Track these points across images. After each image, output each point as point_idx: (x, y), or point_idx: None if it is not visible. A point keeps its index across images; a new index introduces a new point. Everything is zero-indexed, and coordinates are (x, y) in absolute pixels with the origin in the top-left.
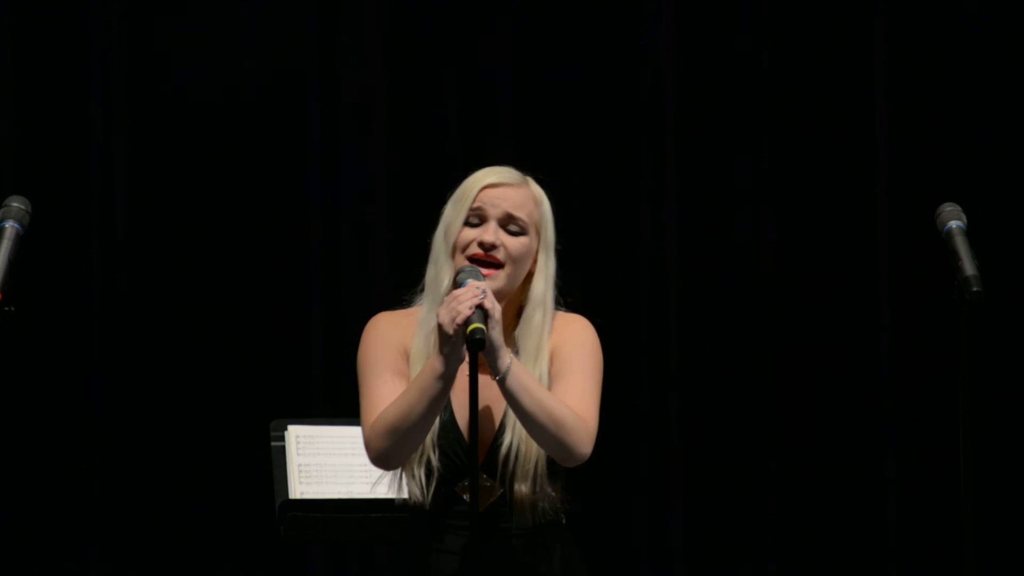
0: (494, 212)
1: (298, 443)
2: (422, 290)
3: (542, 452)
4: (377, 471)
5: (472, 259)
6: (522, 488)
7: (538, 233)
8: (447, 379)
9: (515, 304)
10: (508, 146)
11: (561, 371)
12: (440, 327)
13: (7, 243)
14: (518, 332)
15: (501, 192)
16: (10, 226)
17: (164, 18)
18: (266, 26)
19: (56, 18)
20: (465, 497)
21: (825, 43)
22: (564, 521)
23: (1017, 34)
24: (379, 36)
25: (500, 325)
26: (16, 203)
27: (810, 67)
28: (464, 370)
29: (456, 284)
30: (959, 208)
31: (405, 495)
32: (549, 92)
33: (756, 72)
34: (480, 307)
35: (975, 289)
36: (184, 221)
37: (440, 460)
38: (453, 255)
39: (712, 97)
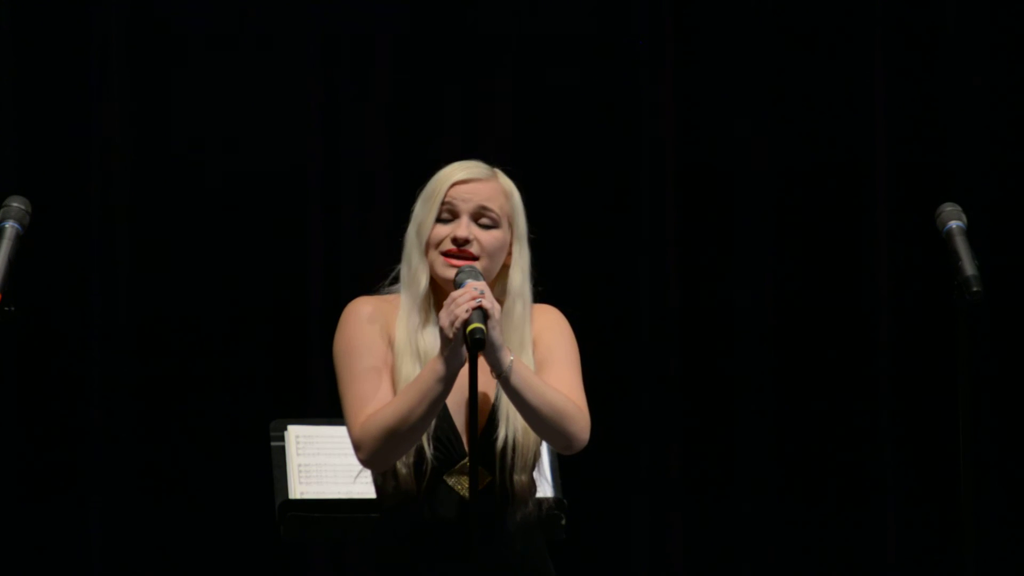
0: (465, 207)
1: (298, 443)
2: (394, 282)
3: (536, 442)
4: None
5: (446, 255)
6: (521, 479)
7: (510, 225)
8: (448, 382)
9: None
10: (507, 147)
11: (545, 361)
12: (441, 330)
13: (7, 243)
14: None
15: (471, 187)
16: (10, 226)
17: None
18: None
19: (57, 17)
20: (454, 486)
21: (825, 43)
22: (564, 521)
23: (1018, 32)
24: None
25: (500, 325)
26: (16, 203)
27: (810, 67)
28: None
29: (455, 285)
30: (959, 208)
31: (388, 486)
32: (548, 93)
33: (755, 73)
34: (480, 307)
35: (975, 289)
36: (184, 220)
37: (434, 451)
38: (427, 252)
39: (711, 97)
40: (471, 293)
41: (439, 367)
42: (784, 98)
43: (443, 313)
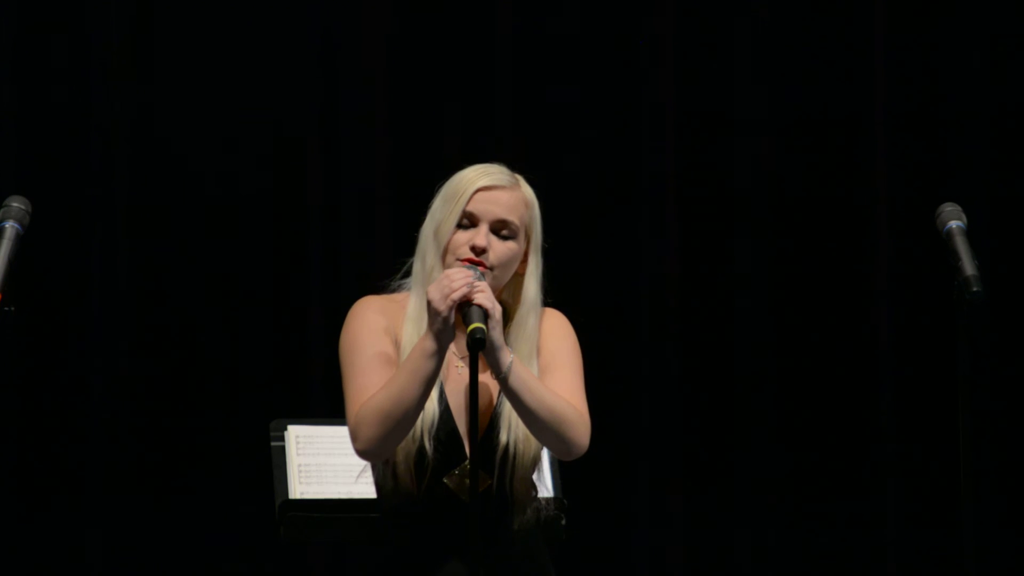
0: (486, 216)
1: (298, 443)
2: (406, 275)
3: (537, 448)
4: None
5: (461, 261)
6: (521, 483)
7: (527, 235)
8: (439, 358)
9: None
10: (507, 146)
11: (548, 366)
12: (430, 304)
13: (7, 243)
14: (511, 334)
15: (494, 195)
16: (10, 226)
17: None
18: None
19: (56, 18)
20: (453, 488)
21: (826, 42)
22: (564, 522)
23: (1018, 31)
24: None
25: (500, 325)
26: (16, 203)
27: (810, 66)
28: (455, 362)
29: None
30: (959, 208)
31: (388, 486)
32: (549, 89)
33: (756, 72)
34: (480, 307)
35: (975, 289)
36: (184, 221)
37: (435, 448)
38: (444, 257)
39: (711, 95)
40: (465, 273)
41: (428, 343)
42: (784, 98)
43: (433, 287)
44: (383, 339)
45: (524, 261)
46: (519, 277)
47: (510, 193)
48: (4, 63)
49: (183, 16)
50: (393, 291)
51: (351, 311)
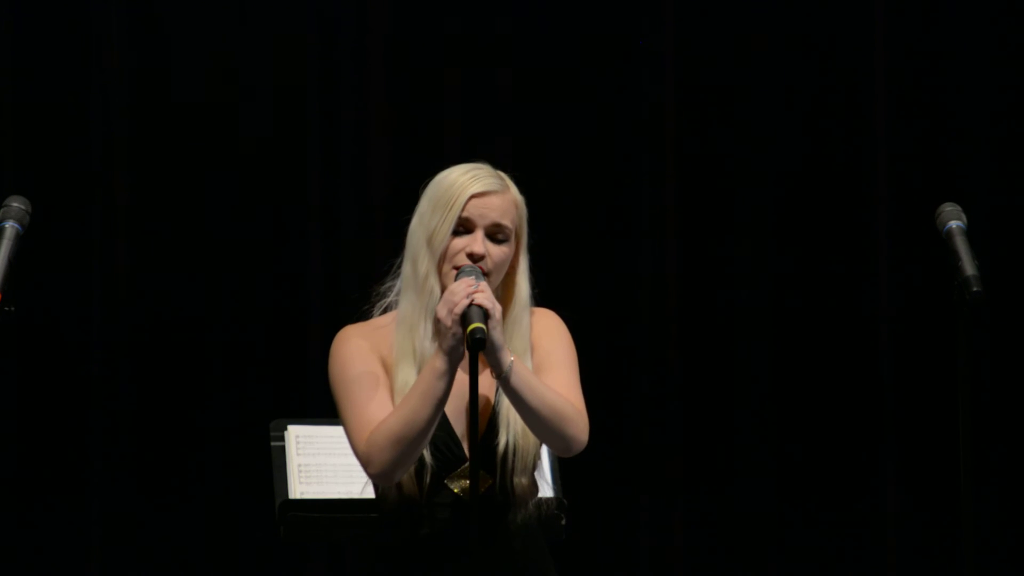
0: (481, 222)
1: (298, 443)
2: (396, 275)
3: (536, 446)
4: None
5: (458, 268)
6: (522, 481)
7: (518, 236)
8: (450, 378)
9: None
10: (507, 144)
11: (543, 364)
12: (440, 323)
13: (7, 243)
14: (506, 333)
15: (488, 201)
16: (10, 226)
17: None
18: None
19: (57, 15)
20: (455, 490)
21: (827, 38)
22: (564, 522)
23: (1018, 29)
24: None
25: (500, 325)
26: (16, 203)
27: (810, 64)
28: None
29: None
30: (959, 208)
31: (391, 494)
32: (548, 88)
33: (757, 70)
34: (480, 307)
35: (975, 289)
36: (184, 222)
37: (433, 455)
38: (440, 265)
39: (712, 93)
40: (466, 284)
41: (439, 364)
42: (784, 97)
43: (441, 307)
44: (372, 361)
45: (514, 260)
46: (509, 277)
47: (502, 197)
48: (4, 62)
49: (182, 16)
50: (377, 304)
51: (335, 341)
